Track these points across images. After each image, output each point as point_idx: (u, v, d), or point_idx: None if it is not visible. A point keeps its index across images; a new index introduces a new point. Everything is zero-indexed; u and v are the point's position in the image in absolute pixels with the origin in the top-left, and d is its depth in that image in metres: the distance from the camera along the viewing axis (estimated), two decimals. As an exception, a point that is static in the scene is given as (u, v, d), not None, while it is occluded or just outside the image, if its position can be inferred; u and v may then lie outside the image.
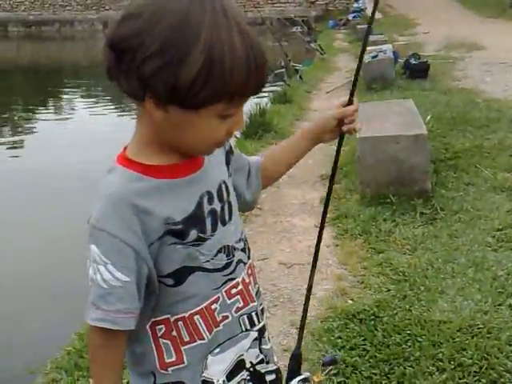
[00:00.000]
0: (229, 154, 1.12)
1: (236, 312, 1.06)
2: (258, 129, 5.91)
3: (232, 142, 1.13)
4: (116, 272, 0.90)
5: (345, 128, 1.25)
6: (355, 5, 23.55)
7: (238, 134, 5.89)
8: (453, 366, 2.23)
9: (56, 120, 10.78)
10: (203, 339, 1.01)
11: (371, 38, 12.94)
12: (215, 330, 1.03)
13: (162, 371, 1.01)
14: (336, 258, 3.35)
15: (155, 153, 0.95)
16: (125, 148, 0.98)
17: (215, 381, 1.03)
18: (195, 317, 1.00)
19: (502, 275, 2.86)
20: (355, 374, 2.27)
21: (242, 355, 1.08)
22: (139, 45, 0.84)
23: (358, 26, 18.18)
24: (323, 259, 3.35)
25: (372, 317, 2.62)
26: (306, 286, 3.12)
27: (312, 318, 2.73)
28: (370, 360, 2.33)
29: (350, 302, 2.84)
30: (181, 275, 0.97)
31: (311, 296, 3.04)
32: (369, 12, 22.90)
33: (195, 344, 1.01)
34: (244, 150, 5.20)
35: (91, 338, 0.97)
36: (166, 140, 0.94)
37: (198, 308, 1.00)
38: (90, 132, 8.97)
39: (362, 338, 2.48)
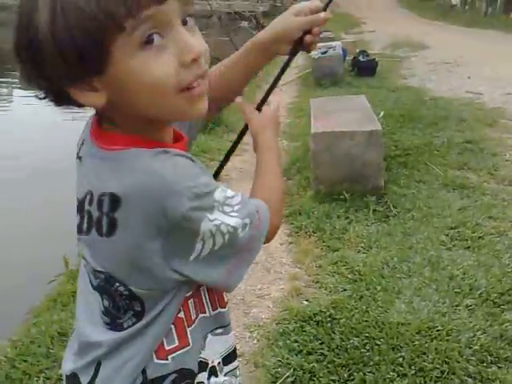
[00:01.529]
0: None
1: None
2: (208, 122, 5.71)
3: None
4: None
5: (307, 39, 1.02)
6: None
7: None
8: (414, 371, 2.14)
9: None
10: (205, 313, 0.90)
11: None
12: (219, 309, 0.93)
13: (159, 361, 0.84)
14: (290, 257, 3.23)
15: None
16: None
17: (210, 361, 0.92)
18: (201, 288, 0.89)
19: (458, 275, 2.81)
20: (313, 380, 2.15)
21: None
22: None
23: (306, 23, 18.26)
24: (278, 257, 3.23)
25: (329, 319, 2.51)
26: (259, 287, 3.00)
27: (267, 321, 2.60)
28: (329, 365, 2.21)
29: (306, 302, 2.72)
30: None
31: (266, 296, 2.92)
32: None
33: (200, 317, 0.89)
34: (194, 143, 5.03)
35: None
36: (139, 117, 0.77)
37: None
38: (26, 121, 8.51)
39: (320, 341, 2.36)
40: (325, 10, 1.04)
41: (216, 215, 0.77)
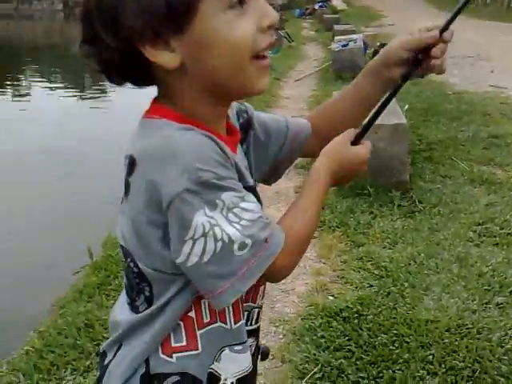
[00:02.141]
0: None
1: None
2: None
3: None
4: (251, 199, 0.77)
5: (431, 63, 0.87)
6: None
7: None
8: (444, 370, 2.10)
9: (12, 100, 10.29)
10: (225, 323, 0.83)
11: (339, 27, 12.89)
12: (242, 321, 0.85)
13: (163, 356, 0.81)
14: (314, 251, 3.20)
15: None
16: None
17: (222, 377, 0.85)
18: None
19: (488, 272, 2.76)
20: (341, 377, 2.12)
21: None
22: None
23: (325, 16, 18.14)
24: (301, 252, 3.20)
25: (356, 315, 2.48)
26: (283, 281, 2.98)
27: (292, 315, 2.58)
28: (357, 362, 2.18)
29: (332, 298, 2.69)
30: None
31: (290, 291, 2.90)
32: (334, 1, 22.91)
33: (215, 326, 0.82)
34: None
35: (286, 265, 0.82)
36: (206, 88, 0.76)
37: None
38: (47, 112, 8.58)
39: (347, 337, 2.33)
40: (445, 29, 0.86)
41: (215, 215, 0.71)
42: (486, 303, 2.52)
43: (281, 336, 2.47)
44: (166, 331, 0.80)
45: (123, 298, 0.87)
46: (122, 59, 0.73)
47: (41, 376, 2.23)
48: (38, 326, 2.58)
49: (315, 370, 2.17)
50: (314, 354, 2.25)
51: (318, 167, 0.89)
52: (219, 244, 0.71)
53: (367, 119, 0.93)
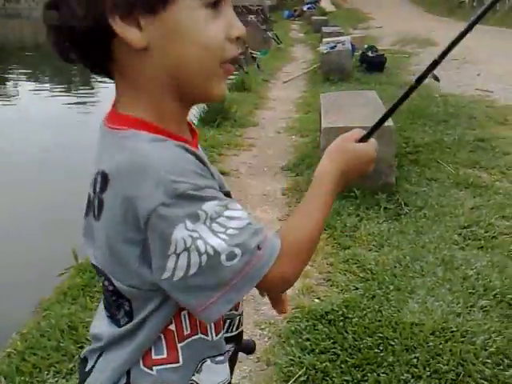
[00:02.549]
0: None
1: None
2: (217, 116, 5.68)
3: None
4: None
5: None
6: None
7: (194, 119, 5.67)
8: (428, 373, 2.11)
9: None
10: (206, 335, 0.82)
11: (327, 29, 12.93)
12: (223, 331, 0.85)
13: (144, 368, 0.79)
14: (300, 254, 3.19)
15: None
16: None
17: None
18: None
19: (472, 275, 2.78)
20: (326, 380, 2.12)
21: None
22: None
23: (313, 18, 18.20)
24: (287, 255, 3.20)
25: (341, 318, 2.48)
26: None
27: (278, 318, 2.57)
28: (342, 365, 2.18)
29: (317, 300, 2.69)
30: None
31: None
32: (323, 3, 22.99)
33: (196, 337, 0.81)
34: (202, 138, 4.99)
35: (288, 272, 0.78)
36: (168, 79, 0.73)
37: None
38: (36, 114, 8.50)
39: (332, 340, 2.33)
40: (368, 136, 0.91)
41: (197, 227, 0.68)
42: (471, 306, 2.54)
43: (266, 339, 2.46)
44: (147, 344, 0.79)
45: (103, 311, 0.85)
46: (85, 29, 0.70)
47: (23, 378, 2.20)
48: (20, 328, 2.54)
49: (300, 372, 2.17)
50: (299, 357, 2.25)
51: (321, 171, 0.86)
52: (204, 257, 0.68)
53: (377, 120, 0.92)
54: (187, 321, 0.80)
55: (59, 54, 0.74)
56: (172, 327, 0.79)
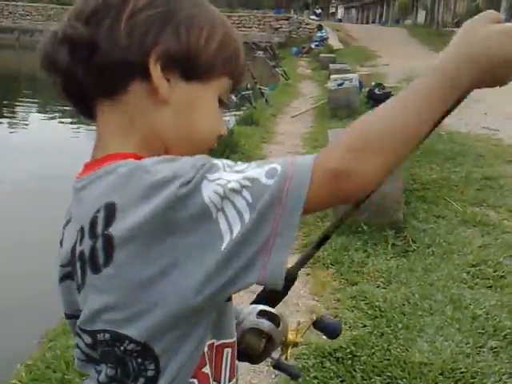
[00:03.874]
0: None
1: None
2: (226, 148, 5.74)
3: None
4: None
5: None
6: (318, 34, 23.98)
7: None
8: (438, 414, 2.08)
9: (11, 129, 10.33)
10: (219, 381, 0.74)
11: (335, 66, 13.12)
12: (234, 381, 0.78)
13: None
14: (307, 289, 3.18)
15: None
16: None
17: None
18: (227, 349, 0.76)
19: (481, 314, 2.75)
20: (334, 420, 2.09)
21: None
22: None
23: (321, 55, 18.48)
24: (295, 289, 3.17)
25: (349, 355, 2.46)
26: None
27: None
28: (350, 404, 2.15)
29: (325, 337, 2.66)
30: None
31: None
32: (331, 41, 23.36)
33: (233, 381, 0.77)
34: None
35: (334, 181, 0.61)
36: (167, 136, 0.72)
37: (234, 339, 0.77)
38: (46, 142, 8.60)
39: (340, 379, 2.31)
40: None
41: (219, 175, 0.60)
42: (480, 347, 2.51)
43: (273, 376, 2.43)
44: None
45: None
46: (120, 60, 0.68)
47: (27, 411, 2.18)
48: (25, 359, 2.53)
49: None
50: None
51: (449, 55, 0.65)
52: (246, 192, 0.59)
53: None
54: (229, 359, 0.75)
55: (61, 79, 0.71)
56: (206, 369, 0.71)
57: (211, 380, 0.72)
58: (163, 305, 0.62)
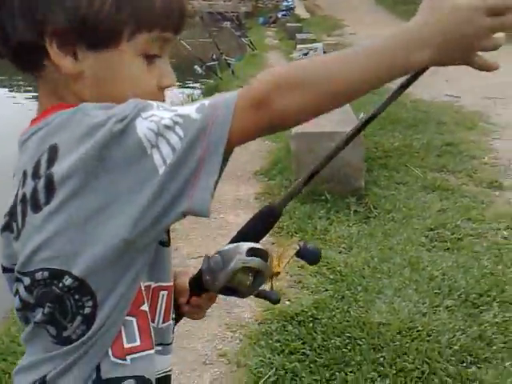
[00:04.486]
0: None
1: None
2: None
3: None
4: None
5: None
6: (284, 3, 23.75)
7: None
8: (394, 371, 2.17)
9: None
10: (154, 322, 0.78)
11: (301, 36, 13.05)
12: (170, 321, 0.82)
13: (115, 359, 0.71)
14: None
15: None
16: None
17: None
18: (163, 291, 0.79)
19: (438, 276, 2.86)
20: (295, 380, 2.17)
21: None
22: None
23: (288, 24, 18.32)
24: (259, 258, 3.24)
25: (310, 318, 2.53)
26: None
27: (249, 320, 2.61)
28: (311, 365, 2.23)
29: (288, 302, 2.73)
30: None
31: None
32: (297, 10, 23.18)
33: (167, 323, 0.81)
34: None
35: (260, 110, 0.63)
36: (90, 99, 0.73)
37: (171, 283, 0.81)
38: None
39: (302, 341, 2.38)
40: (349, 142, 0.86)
41: (153, 112, 0.64)
42: (436, 306, 2.61)
43: (237, 341, 2.49)
44: (114, 335, 0.71)
45: (34, 346, 0.77)
46: (22, 40, 0.71)
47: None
48: (-11, 335, 2.53)
49: (270, 373, 2.21)
50: (269, 358, 2.28)
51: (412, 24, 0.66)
52: (178, 128, 0.62)
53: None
54: (164, 301, 0.79)
55: None
56: (145, 307, 0.74)
57: (149, 318, 0.75)
58: (100, 240, 0.65)
